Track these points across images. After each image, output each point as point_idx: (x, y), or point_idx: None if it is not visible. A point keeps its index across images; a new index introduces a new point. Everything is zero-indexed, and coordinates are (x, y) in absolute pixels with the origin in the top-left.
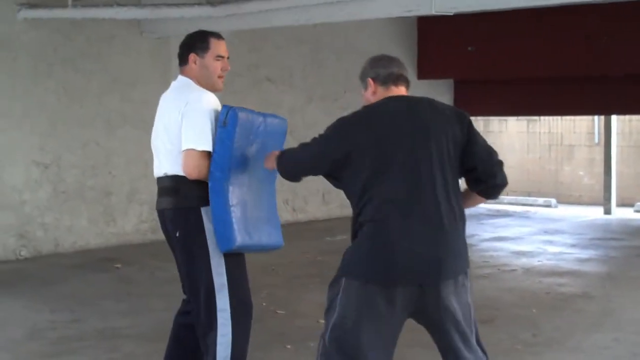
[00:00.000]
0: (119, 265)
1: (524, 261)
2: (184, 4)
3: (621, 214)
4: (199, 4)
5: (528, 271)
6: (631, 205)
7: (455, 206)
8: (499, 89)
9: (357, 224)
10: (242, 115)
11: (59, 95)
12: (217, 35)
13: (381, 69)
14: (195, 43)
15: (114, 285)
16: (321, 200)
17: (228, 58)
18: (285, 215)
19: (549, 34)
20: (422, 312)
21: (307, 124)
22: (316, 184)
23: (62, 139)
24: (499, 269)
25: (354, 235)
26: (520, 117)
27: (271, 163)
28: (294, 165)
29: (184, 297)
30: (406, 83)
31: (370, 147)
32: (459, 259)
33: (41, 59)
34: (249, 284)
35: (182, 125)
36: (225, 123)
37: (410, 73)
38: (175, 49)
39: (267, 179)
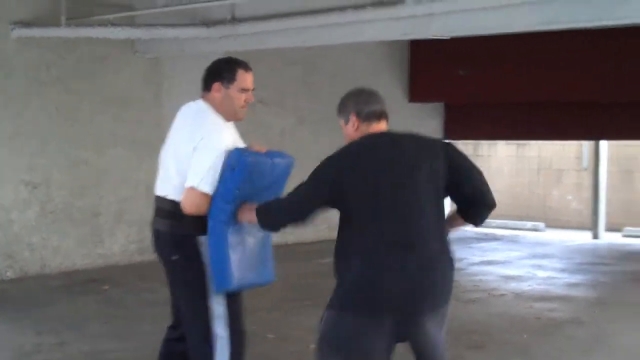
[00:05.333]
0: (106, 287)
1: (514, 286)
2: (178, 25)
3: (609, 238)
4: (194, 24)
5: (518, 296)
6: (619, 230)
7: (442, 238)
8: (489, 113)
9: (343, 257)
10: (251, 161)
11: (50, 114)
12: (245, 67)
13: (363, 105)
14: (222, 72)
15: (101, 308)
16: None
17: (253, 90)
18: (274, 237)
19: (541, 59)
20: (408, 339)
21: (298, 146)
22: None
23: (53, 159)
24: (488, 294)
25: (340, 267)
26: (509, 141)
27: (249, 216)
28: (285, 212)
29: (172, 323)
30: (386, 118)
31: (357, 183)
32: (445, 291)
33: (34, 78)
34: (243, 311)
35: (192, 159)
36: (234, 168)
37: (402, 96)
38: (168, 70)
39: None
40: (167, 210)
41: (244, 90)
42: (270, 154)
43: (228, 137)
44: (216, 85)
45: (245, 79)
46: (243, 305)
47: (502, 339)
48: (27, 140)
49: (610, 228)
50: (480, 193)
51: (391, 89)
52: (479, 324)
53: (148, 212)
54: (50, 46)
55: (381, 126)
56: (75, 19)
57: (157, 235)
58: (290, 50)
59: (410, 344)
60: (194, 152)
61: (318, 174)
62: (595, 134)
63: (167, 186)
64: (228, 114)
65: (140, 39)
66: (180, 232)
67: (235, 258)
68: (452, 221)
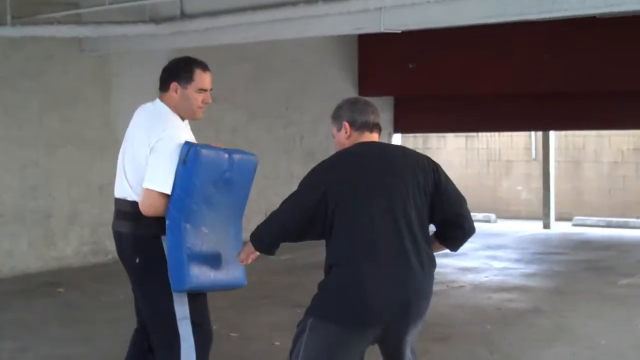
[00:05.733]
0: (61, 290)
1: (471, 277)
2: (126, 22)
3: (560, 228)
4: (143, 21)
5: (476, 287)
6: (568, 219)
7: (425, 250)
8: (438, 106)
9: (327, 265)
10: (204, 152)
11: None
12: (204, 67)
13: (358, 114)
14: (180, 72)
15: (59, 311)
16: (264, 219)
17: (211, 90)
18: None
19: (489, 51)
20: (383, 345)
21: (250, 142)
22: (259, 203)
23: (1, 161)
24: (447, 286)
25: (329, 275)
26: (458, 134)
27: (249, 250)
28: (275, 224)
29: (137, 327)
30: (379, 130)
31: (343, 191)
32: (425, 302)
33: None
34: (208, 311)
35: (149, 160)
36: (185, 161)
37: (351, 90)
38: (116, 67)
39: (234, 217)
40: (128, 212)
41: (202, 90)
42: (227, 150)
43: (184, 137)
44: (173, 85)
45: (203, 79)
46: (207, 305)
47: (466, 330)
48: None
49: (560, 217)
50: (462, 218)
51: (340, 84)
52: (442, 317)
53: (101, 213)
54: None
55: (373, 136)
56: (21, 17)
57: (119, 238)
58: (239, 47)
59: (382, 348)
60: (150, 153)
61: (307, 182)
62: (543, 124)
63: (126, 188)
64: (186, 114)
65: (87, 37)
66: (142, 234)
67: (192, 257)
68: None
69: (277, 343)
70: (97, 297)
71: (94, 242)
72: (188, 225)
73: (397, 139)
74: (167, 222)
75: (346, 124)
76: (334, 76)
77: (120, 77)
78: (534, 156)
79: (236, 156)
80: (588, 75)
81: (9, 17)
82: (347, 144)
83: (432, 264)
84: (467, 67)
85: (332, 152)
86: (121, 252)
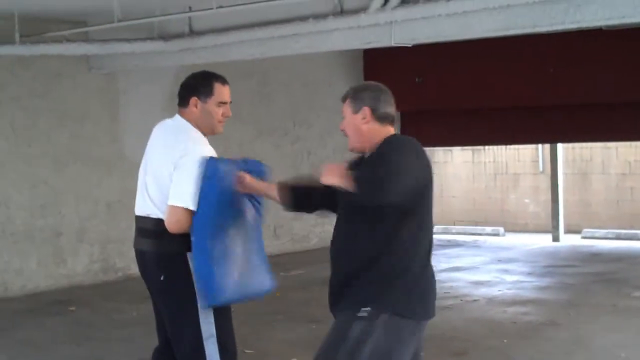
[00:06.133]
0: (73, 308)
1: (484, 291)
2: (135, 39)
3: (569, 241)
4: (151, 38)
5: (490, 301)
6: (577, 232)
7: None
8: (445, 120)
9: (386, 262)
10: (222, 167)
11: (6, 134)
12: (222, 80)
13: (382, 105)
14: (199, 87)
15: (71, 329)
16: (272, 234)
17: (230, 102)
18: None
19: (495, 64)
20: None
21: (258, 157)
22: (267, 217)
23: (11, 179)
24: (461, 300)
25: (397, 270)
26: (465, 147)
27: (338, 180)
28: (397, 180)
29: (157, 346)
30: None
31: (425, 184)
32: None
33: None
34: (233, 331)
35: (173, 176)
36: (209, 177)
37: None
38: (123, 85)
39: (255, 226)
40: (151, 229)
41: (222, 103)
42: (245, 161)
43: (207, 152)
44: (193, 100)
45: (222, 92)
46: (232, 325)
47: (483, 344)
48: None
49: (568, 230)
50: None
51: None
52: (458, 331)
53: (109, 230)
54: (4, 64)
55: (392, 129)
56: (29, 36)
57: (142, 256)
58: (245, 62)
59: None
60: (175, 170)
61: (413, 162)
62: (551, 137)
63: (149, 205)
64: (206, 129)
65: (95, 54)
66: (166, 251)
67: (221, 272)
68: None
69: (294, 359)
70: (109, 314)
71: (103, 260)
72: (214, 240)
73: None
74: (192, 238)
75: (367, 110)
76: (341, 90)
77: (128, 94)
78: (541, 169)
79: (252, 166)
80: (595, 87)
81: (17, 36)
82: (364, 129)
83: None
84: (473, 80)
85: None
86: (144, 271)
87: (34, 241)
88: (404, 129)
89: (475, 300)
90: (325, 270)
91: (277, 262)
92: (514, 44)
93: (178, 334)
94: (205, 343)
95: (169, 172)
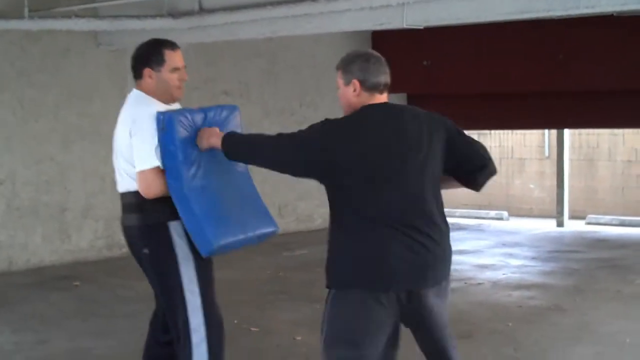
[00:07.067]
0: (77, 283)
1: (489, 274)
2: (144, 16)
3: (574, 226)
4: (160, 15)
5: (495, 284)
6: (581, 217)
7: (441, 214)
8: (452, 104)
9: (340, 234)
10: (177, 116)
11: (14, 109)
12: (172, 46)
13: (370, 74)
14: (149, 57)
15: (76, 304)
16: (277, 214)
17: (185, 67)
18: None
19: (504, 50)
20: (410, 315)
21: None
22: (272, 197)
23: (17, 154)
24: (465, 283)
25: (335, 245)
26: (470, 131)
27: (213, 141)
28: (260, 156)
29: (155, 309)
30: (388, 90)
31: (356, 159)
32: (445, 265)
33: None
34: (216, 298)
35: (132, 145)
36: (163, 128)
37: None
38: None
39: (236, 171)
40: (132, 203)
41: (176, 69)
42: (203, 109)
43: (158, 110)
44: (147, 71)
45: (173, 58)
46: (215, 293)
47: (488, 327)
48: None
49: (573, 216)
50: (486, 161)
51: None
52: (463, 314)
53: (115, 207)
54: (13, 39)
55: (382, 98)
56: (38, 11)
57: (127, 231)
58: (253, 42)
59: (414, 322)
60: (131, 139)
61: (310, 139)
62: (558, 123)
63: (124, 180)
64: (165, 97)
65: (104, 31)
66: (147, 223)
67: (209, 217)
68: (445, 182)
69: (299, 338)
70: (113, 290)
71: (108, 236)
72: (190, 189)
73: None
74: (170, 194)
75: (356, 83)
76: None
77: None
78: (547, 154)
79: (213, 113)
80: (604, 74)
81: (26, 10)
82: (354, 102)
83: (448, 226)
84: (481, 65)
85: None
86: (131, 246)
87: (39, 216)
88: None
89: (479, 284)
90: None
91: (282, 242)
92: (523, 30)
93: (167, 304)
94: (190, 313)
95: (128, 142)
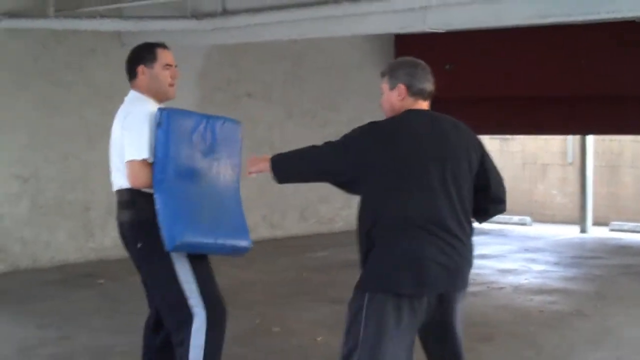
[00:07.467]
0: (101, 281)
1: (511, 279)
2: (168, 17)
3: (597, 232)
4: (184, 17)
5: (517, 289)
6: (604, 224)
7: (468, 222)
8: (474, 108)
9: (376, 237)
10: (176, 114)
11: (38, 107)
12: (163, 45)
13: (417, 80)
14: (142, 55)
15: (99, 302)
16: (299, 216)
17: (176, 66)
18: (263, 231)
19: (526, 54)
20: (435, 319)
21: (286, 140)
22: (295, 199)
23: (42, 152)
24: (487, 287)
25: (372, 248)
26: (493, 136)
27: (261, 166)
28: (301, 166)
29: (149, 315)
30: (431, 98)
31: (392, 164)
32: (470, 269)
33: (21, 70)
34: (219, 290)
35: (123, 137)
36: (160, 124)
37: None
38: None
39: (228, 187)
40: (125, 200)
41: (168, 65)
42: (207, 115)
43: (153, 108)
44: (140, 68)
45: (165, 55)
46: (215, 280)
47: (509, 331)
48: (16, 134)
49: (596, 222)
50: (499, 199)
51: (377, 83)
52: (484, 317)
53: None
54: (38, 38)
55: (425, 105)
56: (64, 10)
57: (121, 228)
58: (277, 44)
59: (438, 325)
60: (123, 132)
61: (350, 140)
62: (581, 128)
63: (118, 178)
64: (159, 95)
65: (128, 31)
66: (139, 219)
67: (182, 214)
68: None
69: (319, 338)
70: (137, 289)
71: None
72: (172, 185)
73: None
74: (154, 186)
75: (402, 87)
76: (371, 75)
77: None
78: (569, 160)
79: (215, 122)
80: (626, 80)
81: (52, 9)
82: (397, 106)
83: (472, 235)
84: (503, 69)
85: None
86: (125, 242)
87: (64, 214)
88: None
89: (501, 288)
90: (349, 253)
91: (304, 244)
92: (545, 34)
93: (160, 298)
94: (189, 300)
95: (121, 136)
